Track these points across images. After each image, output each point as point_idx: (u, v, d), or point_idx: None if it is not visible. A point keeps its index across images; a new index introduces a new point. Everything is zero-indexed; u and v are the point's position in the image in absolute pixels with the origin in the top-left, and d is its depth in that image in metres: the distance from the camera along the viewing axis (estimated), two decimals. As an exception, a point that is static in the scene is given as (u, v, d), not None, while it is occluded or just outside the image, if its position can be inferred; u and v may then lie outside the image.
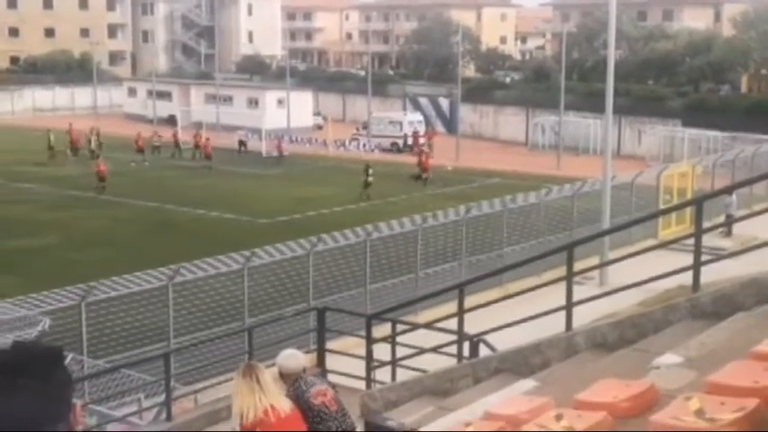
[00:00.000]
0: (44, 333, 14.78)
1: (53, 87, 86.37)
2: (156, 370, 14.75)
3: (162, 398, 13.78)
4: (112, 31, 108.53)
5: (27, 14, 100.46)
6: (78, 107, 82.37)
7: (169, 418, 13.16)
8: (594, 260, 22.10)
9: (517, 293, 12.89)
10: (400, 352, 13.85)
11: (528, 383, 8.76)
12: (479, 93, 72.77)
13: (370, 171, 43.76)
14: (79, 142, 55.06)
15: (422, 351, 13.40)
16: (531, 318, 11.36)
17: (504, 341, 12.11)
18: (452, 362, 12.63)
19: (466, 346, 12.79)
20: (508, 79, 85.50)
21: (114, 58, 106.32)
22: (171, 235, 33.47)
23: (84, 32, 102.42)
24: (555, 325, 11.44)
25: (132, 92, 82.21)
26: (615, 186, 29.70)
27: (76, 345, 16.54)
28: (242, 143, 58.10)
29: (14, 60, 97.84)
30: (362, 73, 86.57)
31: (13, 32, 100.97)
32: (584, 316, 11.95)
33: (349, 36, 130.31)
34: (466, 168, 52.90)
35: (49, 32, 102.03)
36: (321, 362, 13.85)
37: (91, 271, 23.64)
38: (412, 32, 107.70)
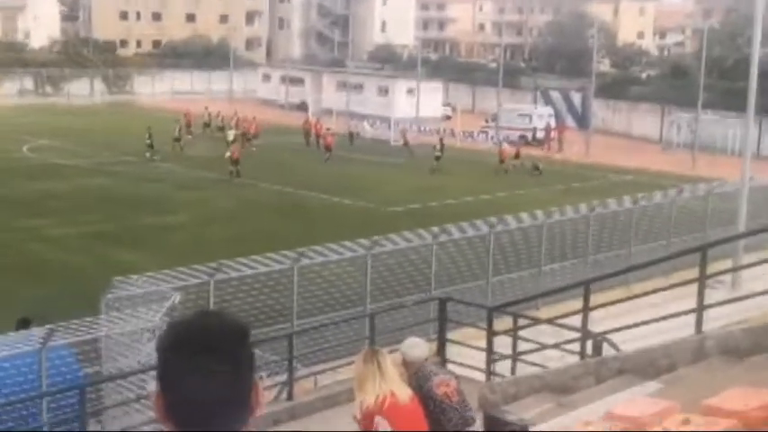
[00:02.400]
0: (174, 308, 15.25)
1: (191, 71, 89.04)
2: (278, 350, 15.04)
3: (284, 377, 14.04)
4: (250, 17, 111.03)
5: (170, 0, 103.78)
6: (215, 91, 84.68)
7: (290, 397, 13.41)
8: (726, 263, 21.36)
9: (644, 294, 12.59)
10: (521, 346, 13.73)
11: (653, 386, 8.55)
12: (613, 88, 71.22)
13: (437, 147, 49.02)
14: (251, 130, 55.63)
15: (543, 347, 13.24)
16: (660, 319, 11.07)
17: (628, 342, 11.85)
18: (574, 359, 12.44)
19: (588, 344, 12.57)
20: (644, 75, 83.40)
21: (251, 44, 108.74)
22: (298, 218, 34.04)
23: (223, 18, 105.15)
24: (681, 328, 11.11)
25: (267, 78, 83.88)
26: (753, 188, 28.57)
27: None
28: (353, 134, 57.78)
29: (156, 44, 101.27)
30: (494, 65, 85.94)
31: (156, 17, 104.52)
32: (713, 320, 11.58)
33: (482, 27, 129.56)
34: (596, 164, 51.92)
35: (190, 18, 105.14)
36: (441, 352, 13.84)
37: (219, 250, 24.27)
38: (546, 25, 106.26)
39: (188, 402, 2.34)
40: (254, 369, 2.46)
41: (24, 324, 16.04)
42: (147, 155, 47.95)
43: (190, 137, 51.99)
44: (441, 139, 51.82)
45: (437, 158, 48.14)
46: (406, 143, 55.73)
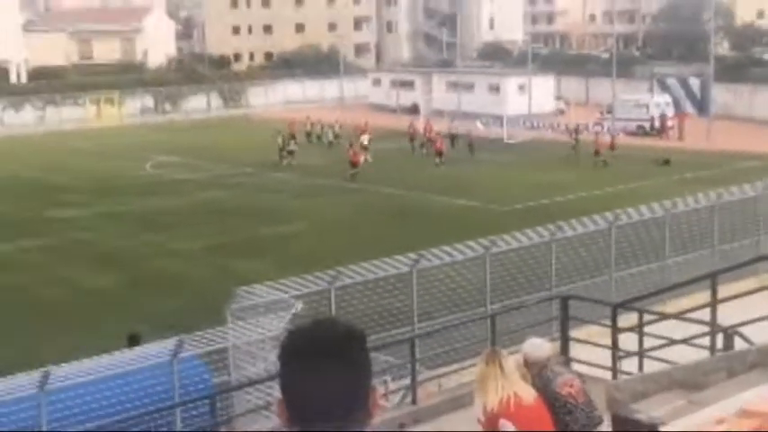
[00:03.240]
0: (297, 316, 15.47)
1: (303, 80, 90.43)
2: (400, 353, 15.09)
3: (407, 381, 14.08)
4: (358, 23, 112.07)
5: (279, 12, 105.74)
6: (327, 98, 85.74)
7: (414, 401, 13.42)
8: None
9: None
10: (647, 342, 13.40)
11: (790, 380, 8.20)
12: (733, 71, 68.87)
13: (573, 135, 51.28)
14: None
15: (671, 342, 12.90)
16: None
17: (762, 334, 11.42)
18: (704, 354, 12.08)
19: (719, 338, 12.18)
20: (766, 56, 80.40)
21: (360, 49, 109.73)
22: (413, 222, 34.12)
23: (332, 27, 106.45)
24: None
25: (377, 82, 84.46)
26: None
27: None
28: (454, 137, 55.63)
29: (268, 56, 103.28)
30: (606, 55, 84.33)
31: (267, 30, 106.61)
32: None
33: (592, 18, 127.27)
34: (719, 151, 50.32)
35: (299, 28, 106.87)
36: (564, 350, 13.63)
37: (337, 256, 24.51)
38: (659, 10, 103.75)
39: (307, 405, 2.45)
40: (371, 373, 2.53)
41: (134, 340, 16.54)
42: (287, 161, 49.68)
43: (295, 147, 52.50)
44: (575, 130, 52.31)
45: (573, 147, 49.46)
46: (453, 136, 54.55)
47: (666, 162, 46.38)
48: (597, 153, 47.48)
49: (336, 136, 56.86)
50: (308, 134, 58.83)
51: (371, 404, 2.50)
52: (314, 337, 2.49)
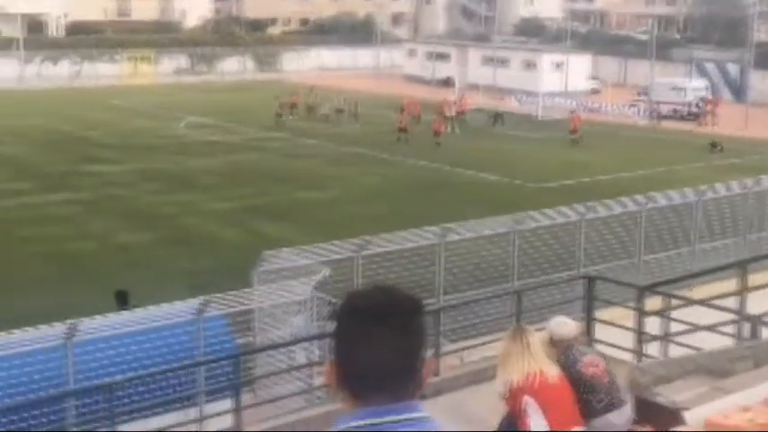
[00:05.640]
0: (323, 282, 15.54)
1: (337, 48, 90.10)
2: (424, 325, 15.12)
3: (430, 352, 14.14)
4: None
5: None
6: (360, 67, 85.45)
7: (437, 373, 13.48)
8: None
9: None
10: (672, 327, 13.37)
11: (816, 372, 8.15)
12: (773, 58, 67.87)
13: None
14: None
15: (696, 328, 12.85)
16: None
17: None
18: (729, 342, 12.03)
19: (746, 326, 12.13)
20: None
21: (396, 19, 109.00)
22: (443, 195, 34.06)
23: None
24: None
25: (412, 53, 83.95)
26: None
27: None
28: (498, 115, 53.98)
29: (304, 22, 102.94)
30: (644, 36, 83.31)
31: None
32: None
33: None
34: (755, 139, 49.72)
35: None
36: (588, 331, 13.62)
37: (366, 225, 24.59)
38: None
39: (361, 371, 2.42)
40: (426, 345, 2.50)
41: (122, 296, 16.55)
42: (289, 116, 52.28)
43: (291, 117, 53.50)
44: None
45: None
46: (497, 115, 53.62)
47: (715, 145, 45.62)
48: (573, 131, 47.15)
49: (339, 110, 54.62)
50: (309, 106, 57.20)
51: (423, 377, 2.47)
52: (376, 304, 2.45)
